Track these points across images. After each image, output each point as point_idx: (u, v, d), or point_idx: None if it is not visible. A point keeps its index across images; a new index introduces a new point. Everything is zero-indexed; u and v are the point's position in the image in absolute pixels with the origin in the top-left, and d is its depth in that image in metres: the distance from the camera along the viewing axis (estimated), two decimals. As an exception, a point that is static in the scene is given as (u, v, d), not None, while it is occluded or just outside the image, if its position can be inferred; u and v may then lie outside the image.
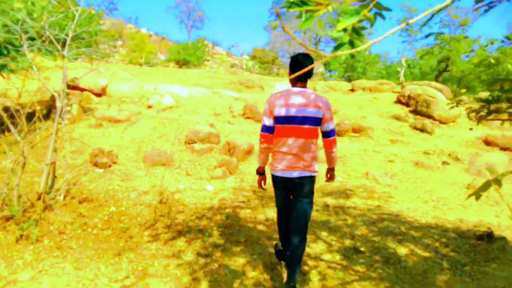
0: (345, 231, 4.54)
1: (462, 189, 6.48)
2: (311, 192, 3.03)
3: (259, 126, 9.93)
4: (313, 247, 4.07)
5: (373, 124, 10.28)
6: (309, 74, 3.00)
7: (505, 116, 2.52)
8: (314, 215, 5.02)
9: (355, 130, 9.38)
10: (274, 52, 44.31)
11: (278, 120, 2.89)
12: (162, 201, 4.85)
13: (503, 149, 8.76)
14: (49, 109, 9.52)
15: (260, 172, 3.22)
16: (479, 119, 2.67)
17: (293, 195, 3.08)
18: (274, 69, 43.62)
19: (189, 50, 35.59)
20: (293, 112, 2.83)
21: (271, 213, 4.95)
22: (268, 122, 2.92)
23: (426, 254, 4.08)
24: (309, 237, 4.27)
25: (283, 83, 18.33)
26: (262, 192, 5.89)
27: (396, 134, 9.77)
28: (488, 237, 4.37)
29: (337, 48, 1.38)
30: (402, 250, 4.15)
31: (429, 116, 10.85)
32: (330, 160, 3.18)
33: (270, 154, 3.10)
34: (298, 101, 2.84)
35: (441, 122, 10.70)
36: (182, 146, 8.01)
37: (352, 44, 1.37)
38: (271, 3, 44.83)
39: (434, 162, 7.78)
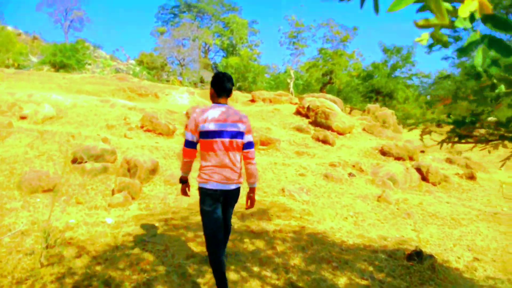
0: (277, 263, 4.05)
1: (374, 202, 6.58)
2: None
3: (162, 140, 8.99)
4: (249, 287, 3.47)
5: (278, 136, 10.16)
6: (229, 93, 3.20)
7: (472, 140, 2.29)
8: (241, 245, 4.43)
9: (263, 143, 9.10)
10: (163, 58, 42.81)
11: (205, 134, 3.02)
12: (49, 245, 3.73)
13: (397, 158, 9.39)
14: None
15: (184, 181, 3.35)
16: (452, 144, 2.42)
17: (223, 208, 3.19)
18: (164, 75, 42.09)
19: (67, 52, 32.19)
20: (219, 126, 3.01)
21: (190, 248, 4.20)
22: (192, 137, 3.07)
23: (364, 282, 3.82)
24: (241, 275, 3.68)
25: (179, 91, 17.45)
26: (175, 220, 5.09)
27: (301, 146, 9.79)
28: (418, 256, 4.31)
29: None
30: (340, 280, 3.82)
31: (328, 127, 11.21)
32: (251, 174, 3.26)
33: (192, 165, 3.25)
34: (223, 116, 3.04)
35: (339, 133, 11.13)
36: (68, 167, 6.68)
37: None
38: (157, 8, 43.15)
39: (342, 174, 7.88)
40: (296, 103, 13.50)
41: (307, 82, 32.98)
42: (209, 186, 3.03)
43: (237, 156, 3.11)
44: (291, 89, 28.57)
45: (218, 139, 3.01)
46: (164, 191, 6.28)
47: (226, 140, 3.03)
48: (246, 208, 3.35)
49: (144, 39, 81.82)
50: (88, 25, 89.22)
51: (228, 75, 3.15)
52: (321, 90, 29.17)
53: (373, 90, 29.45)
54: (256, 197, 6.29)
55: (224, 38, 45.64)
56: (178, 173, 6.80)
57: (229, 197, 3.14)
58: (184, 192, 3.37)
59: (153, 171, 6.66)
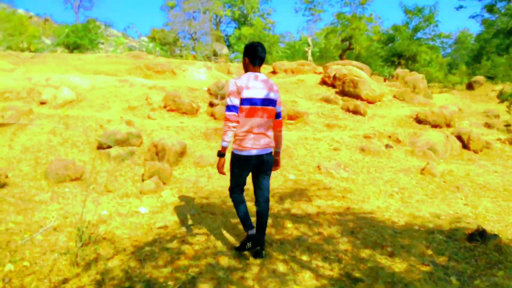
0: (327, 250, 3.71)
1: (417, 175, 6.15)
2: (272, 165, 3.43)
3: (186, 120, 8.65)
4: (301, 281, 3.15)
5: (305, 108, 9.68)
6: (263, 61, 3.25)
7: None
8: (284, 231, 4.11)
9: (291, 117, 8.66)
10: (174, 33, 42.20)
11: (247, 101, 3.07)
12: (84, 243, 3.47)
13: (434, 126, 8.83)
14: None
15: (223, 154, 3.26)
16: None
17: (257, 171, 3.34)
18: (177, 50, 41.48)
19: (79, 33, 31.89)
20: (261, 94, 3.11)
21: (232, 237, 3.91)
22: (236, 101, 3.06)
23: (426, 269, 3.45)
24: (290, 266, 3.36)
25: (196, 66, 16.97)
26: (211, 206, 4.79)
27: (330, 118, 9.31)
28: (480, 236, 3.92)
29: None
30: (399, 267, 3.46)
31: (357, 97, 10.64)
32: (279, 140, 3.49)
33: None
34: (262, 85, 3.15)
35: (368, 102, 10.56)
36: (94, 153, 6.43)
37: None
38: (166, -19, 42.01)
39: (378, 146, 7.41)
40: (320, 73, 12.89)
41: (325, 49, 31.84)
42: (245, 153, 3.15)
43: (271, 124, 3.28)
44: (309, 58, 27.62)
45: (260, 106, 3.12)
46: (195, 174, 5.99)
47: (269, 108, 3.18)
48: (273, 171, 3.48)
49: (155, 14, 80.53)
50: (98, 3, 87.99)
51: (261, 44, 3.21)
52: (341, 57, 28.08)
53: (394, 54, 28.16)
54: (291, 176, 5.97)
55: (235, 8, 44.59)
56: (208, 154, 6.50)
57: (264, 162, 3.27)
58: (222, 168, 3.30)
59: (182, 153, 6.36)
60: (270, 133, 3.28)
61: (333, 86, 11.69)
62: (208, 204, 4.84)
